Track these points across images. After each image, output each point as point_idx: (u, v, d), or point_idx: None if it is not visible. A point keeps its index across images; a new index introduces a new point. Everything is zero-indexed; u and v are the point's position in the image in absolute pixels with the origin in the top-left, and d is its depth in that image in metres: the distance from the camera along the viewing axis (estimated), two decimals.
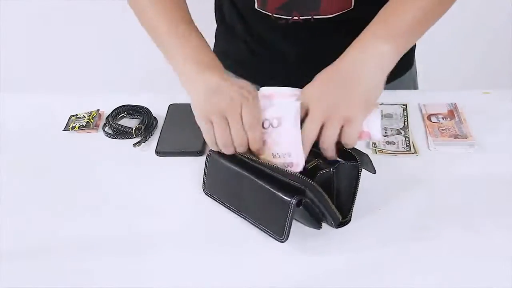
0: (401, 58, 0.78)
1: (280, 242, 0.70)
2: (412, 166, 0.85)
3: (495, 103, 0.98)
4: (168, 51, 0.83)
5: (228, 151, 0.75)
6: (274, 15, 0.95)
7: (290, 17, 0.95)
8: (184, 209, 0.79)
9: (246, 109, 0.72)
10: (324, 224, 0.74)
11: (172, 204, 0.80)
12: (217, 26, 1.14)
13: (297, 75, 0.77)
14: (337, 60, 0.76)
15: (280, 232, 0.70)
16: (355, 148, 0.72)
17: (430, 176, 0.83)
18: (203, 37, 0.83)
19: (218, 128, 0.73)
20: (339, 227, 0.74)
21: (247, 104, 0.72)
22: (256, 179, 0.72)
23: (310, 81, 0.77)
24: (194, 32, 0.83)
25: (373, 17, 0.81)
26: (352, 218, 0.75)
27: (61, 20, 1.91)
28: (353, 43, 0.77)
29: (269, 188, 0.70)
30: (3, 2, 1.85)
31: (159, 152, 0.89)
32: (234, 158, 0.75)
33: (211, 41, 1.15)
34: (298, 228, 0.74)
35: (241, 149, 0.74)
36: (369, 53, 0.75)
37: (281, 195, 0.69)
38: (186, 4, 0.88)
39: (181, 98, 1.00)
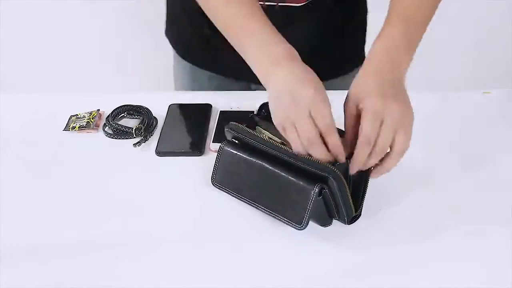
0: (350, 52, 0.77)
1: (299, 229, 0.70)
2: (412, 166, 0.84)
3: (495, 103, 0.98)
4: (246, 53, 0.78)
5: (306, 153, 0.70)
6: None
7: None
8: (184, 208, 0.79)
9: (314, 112, 0.68)
10: (321, 228, 0.74)
11: (172, 204, 0.80)
12: (169, 11, 1.11)
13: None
14: (375, 67, 0.74)
15: (299, 220, 0.70)
16: None
17: (430, 177, 0.83)
18: (271, 26, 0.78)
19: (290, 135, 0.70)
20: (351, 223, 0.74)
21: (315, 108, 0.68)
22: (275, 168, 0.73)
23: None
24: (265, 24, 0.78)
25: (335, 11, 0.83)
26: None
27: (61, 20, 1.91)
28: (383, 52, 0.75)
29: (289, 177, 0.71)
30: (3, 2, 1.85)
31: (159, 152, 0.89)
32: (251, 149, 0.76)
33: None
34: (298, 230, 0.74)
35: (313, 151, 0.69)
36: (400, 66, 0.74)
37: (302, 183, 0.70)
38: None
39: (181, 98, 1.00)
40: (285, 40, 0.76)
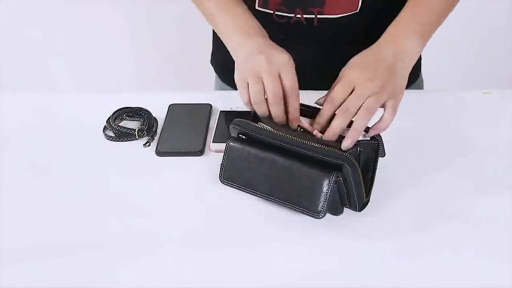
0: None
1: (318, 218, 0.71)
2: (412, 165, 0.85)
3: (495, 103, 0.98)
4: (217, 26, 0.86)
5: (260, 109, 0.76)
6: (276, 12, 0.94)
7: (293, 15, 0.93)
8: (184, 208, 0.79)
9: (285, 73, 0.74)
10: (324, 224, 0.74)
11: (172, 204, 0.80)
12: (215, 36, 1.10)
13: (300, 83, 0.77)
14: (375, 48, 0.79)
15: (317, 210, 0.71)
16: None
17: (430, 176, 0.83)
18: (245, 6, 0.85)
19: (252, 86, 0.75)
20: (361, 210, 0.75)
21: (286, 70, 0.74)
22: (287, 160, 0.73)
23: (310, 89, 0.81)
24: (238, 4, 0.85)
25: (379, 24, 0.84)
26: (352, 218, 0.75)
27: (61, 20, 1.91)
28: (385, 36, 0.80)
29: (303, 167, 0.72)
30: (3, 2, 1.85)
31: (159, 152, 0.89)
32: (259, 143, 0.76)
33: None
34: (299, 227, 0.74)
35: (275, 108, 0.74)
36: (403, 50, 0.78)
37: (317, 172, 0.71)
38: None
39: (181, 98, 1.00)
40: (255, 20, 0.83)
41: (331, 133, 0.73)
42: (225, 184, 0.79)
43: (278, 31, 0.96)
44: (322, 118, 0.75)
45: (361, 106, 0.72)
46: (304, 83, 0.79)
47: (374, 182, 0.76)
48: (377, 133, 0.74)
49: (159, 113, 0.97)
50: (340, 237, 0.74)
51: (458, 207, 0.78)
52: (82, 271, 0.71)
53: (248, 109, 0.79)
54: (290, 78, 0.74)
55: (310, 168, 0.72)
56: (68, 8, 1.88)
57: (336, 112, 0.74)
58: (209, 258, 0.72)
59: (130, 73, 2.04)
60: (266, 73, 0.74)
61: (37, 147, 0.91)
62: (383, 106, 0.74)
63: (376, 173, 0.76)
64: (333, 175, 0.70)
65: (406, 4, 0.84)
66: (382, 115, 0.75)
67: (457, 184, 0.81)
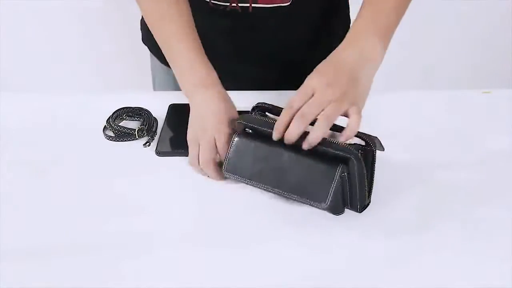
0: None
1: (321, 208, 0.73)
2: (412, 165, 0.85)
3: (495, 103, 0.98)
4: (173, 69, 0.90)
5: (195, 169, 0.84)
6: (212, 1, 0.95)
7: (228, 3, 0.94)
8: (185, 208, 0.79)
9: (217, 139, 0.80)
10: (324, 224, 0.74)
11: (172, 204, 0.80)
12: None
13: (234, 70, 0.78)
14: (336, 54, 0.79)
15: (321, 199, 0.72)
16: (365, 133, 0.74)
17: (430, 176, 0.83)
18: (200, 49, 0.88)
19: (190, 151, 0.84)
20: (362, 211, 0.75)
21: (217, 135, 0.80)
22: (293, 153, 0.74)
23: (246, 76, 0.88)
24: (192, 47, 0.87)
25: (313, 13, 0.88)
26: (352, 218, 0.75)
27: (61, 20, 1.91)
28: (347, 40, 0.80)
29: (310, 160, 0.73)
30: (3, 2, 1.85)
31: (159, 152, 0.89)
32: (265, 136, 0.76)
33: None
34: (300, 227, 0.74)
35: (205, 171, 0.82)
36: (364, 55, 0.78)
37: (324, 164, 0.72)
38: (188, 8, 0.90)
39: (181, 98, 1.00)
40: (208, 65, 0.87)
41: (289, 136, 0.73)
42: (230, 177, 0.79)
43: (215, 17, 0.97)
44: (280, 123, 0.74)
45: (320, 113, 0.72)
46: (239, 72, 0.87)
47: (374, 182, 0.76)
48: (345, 140, 0.73)
49: (159, 113, 0.97)
50: (340, 237, 0.74)
51: (458, 207, 0.78)
52: (82, 271, 0.71)
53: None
54: (220, 142, 0.80)
55: (316, 161, 0.72)
56: (68, 8, 1.88)
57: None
58: (209, 258, 0.72)
59: (130, 73, 2.03)
60: (201, 141, 0.82)
61: (37, 147, 0.91)
62: (345, 114, 0.73)
63: (376, 173, 0.76)
64: (339, 167, 0.71)
65: (363, 6, 0.84)
66: (348, 122, 0.73)
67: (457, 184, 0.81)
